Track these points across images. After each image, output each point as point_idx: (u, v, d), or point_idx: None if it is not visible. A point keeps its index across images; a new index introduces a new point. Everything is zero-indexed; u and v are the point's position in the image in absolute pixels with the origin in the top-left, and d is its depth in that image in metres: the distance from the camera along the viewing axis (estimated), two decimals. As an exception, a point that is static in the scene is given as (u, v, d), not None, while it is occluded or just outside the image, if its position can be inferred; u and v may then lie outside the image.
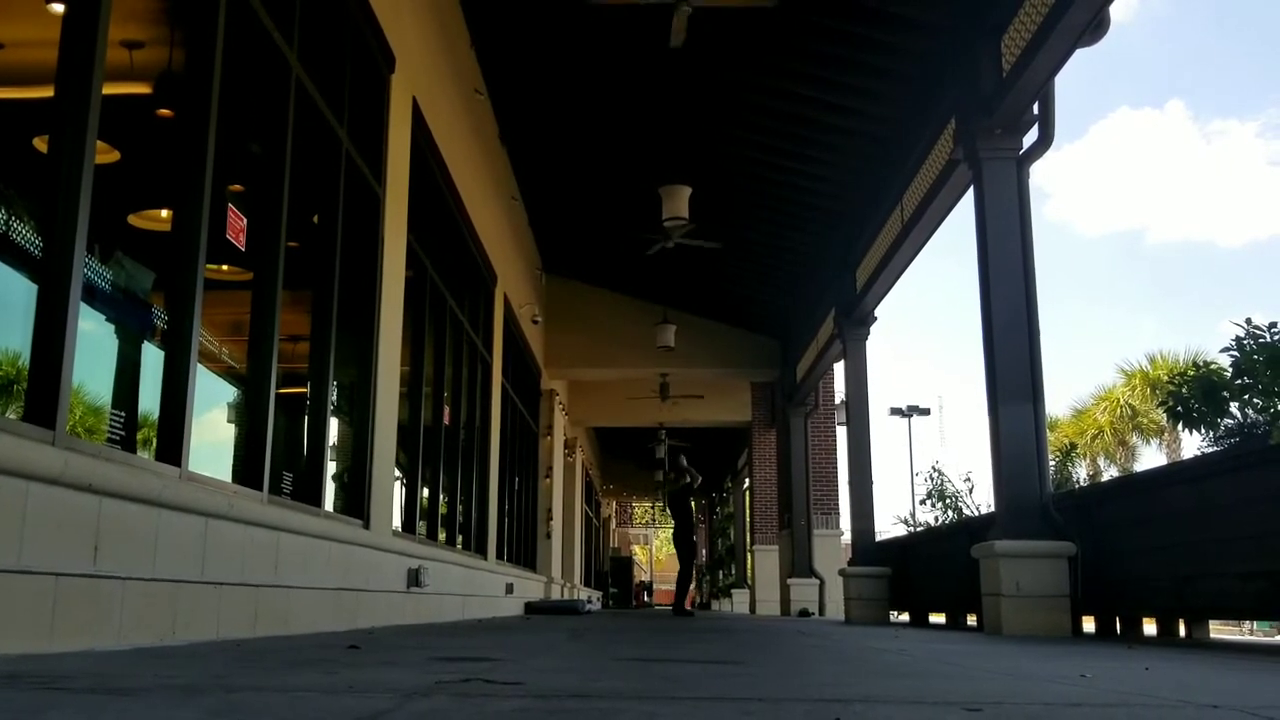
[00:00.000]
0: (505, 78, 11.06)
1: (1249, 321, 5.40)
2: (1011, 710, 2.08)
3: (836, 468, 16.49)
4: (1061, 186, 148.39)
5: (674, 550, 14.99)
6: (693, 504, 14.69)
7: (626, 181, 12.92)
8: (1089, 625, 6.89)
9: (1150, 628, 6.65)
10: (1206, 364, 6.00)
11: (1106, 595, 6.42)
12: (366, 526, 6.64)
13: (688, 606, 15.25)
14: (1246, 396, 5.56)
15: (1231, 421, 5.69)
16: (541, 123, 12.25)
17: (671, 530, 14.97)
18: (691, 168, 11.64)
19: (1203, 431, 5.83)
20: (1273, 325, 5.34)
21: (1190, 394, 5.85)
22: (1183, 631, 6.27)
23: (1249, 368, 5.38)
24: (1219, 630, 15.45)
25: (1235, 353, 5.47)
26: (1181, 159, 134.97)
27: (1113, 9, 6.28)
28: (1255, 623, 22.31)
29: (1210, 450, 5.76)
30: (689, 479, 14.76)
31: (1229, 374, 5.59)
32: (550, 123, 12.22)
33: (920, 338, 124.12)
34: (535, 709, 1.93)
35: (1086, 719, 1.98)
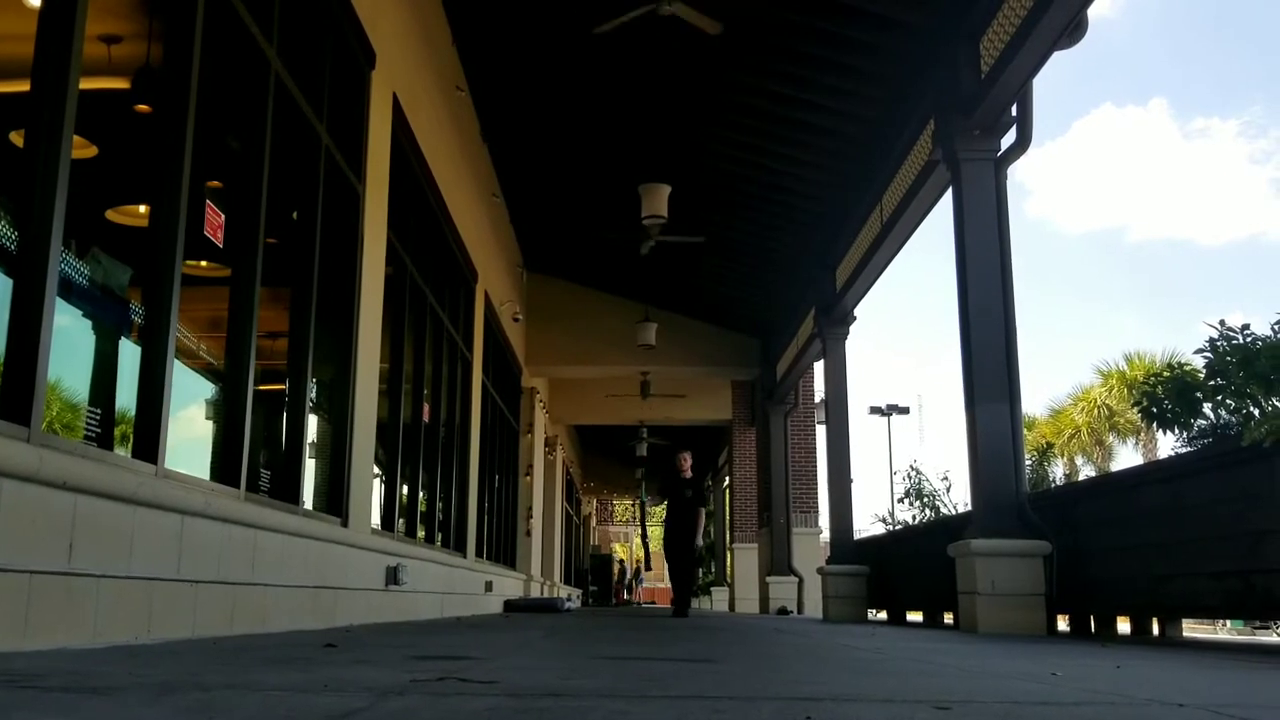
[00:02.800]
0: (487, 75, 11.05)
1: (1222, 323, 5.45)
2: (980, 708, 2.10)
3: (816, 466, 16.54)
4: (1043, 183, 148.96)
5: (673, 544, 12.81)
6: (689, 494, 12.70)
7: (607, 180, 12.92)
8: (1064, 624, 6.95)
9: (1124, 626, 6.72)
10: (1181, 365, 6.05)
11: (1081, 594, 6.48)
12: (345, 524, 6.62)
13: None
14: (1220, 397, 5.61)
15: (1205, 422, 5.74)
16: (523, 120, 12.24)
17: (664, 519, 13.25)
18: (672, 166, 11.65)
19: (1176, 432, 5.88)
20: (1245, 327, 5.39)
21: (1164, 394, 5.90)
22: (1156, 630, 6.34)
23: (1222, 368, 5.43)
24: (1192, 629, 15.60)
25: (1209, 354, 5.52)
26: (1163, 156, 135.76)
27: (1097, 5, 6.33)
28: (1229, 621, 22.55)
29: (1184, 450, 5.81)
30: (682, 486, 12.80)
31: (1202, 375, 5.64)
32: (532, 120, 12.20)
33: (900, 335, 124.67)
34: (507, 707, 1.94)
35: (1054, 717, 2.01)
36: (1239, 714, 2.10)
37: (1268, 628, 20.74)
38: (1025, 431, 7.49)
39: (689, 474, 12.77)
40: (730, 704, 2.07)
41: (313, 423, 6.47)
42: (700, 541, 12.79)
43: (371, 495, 7.52)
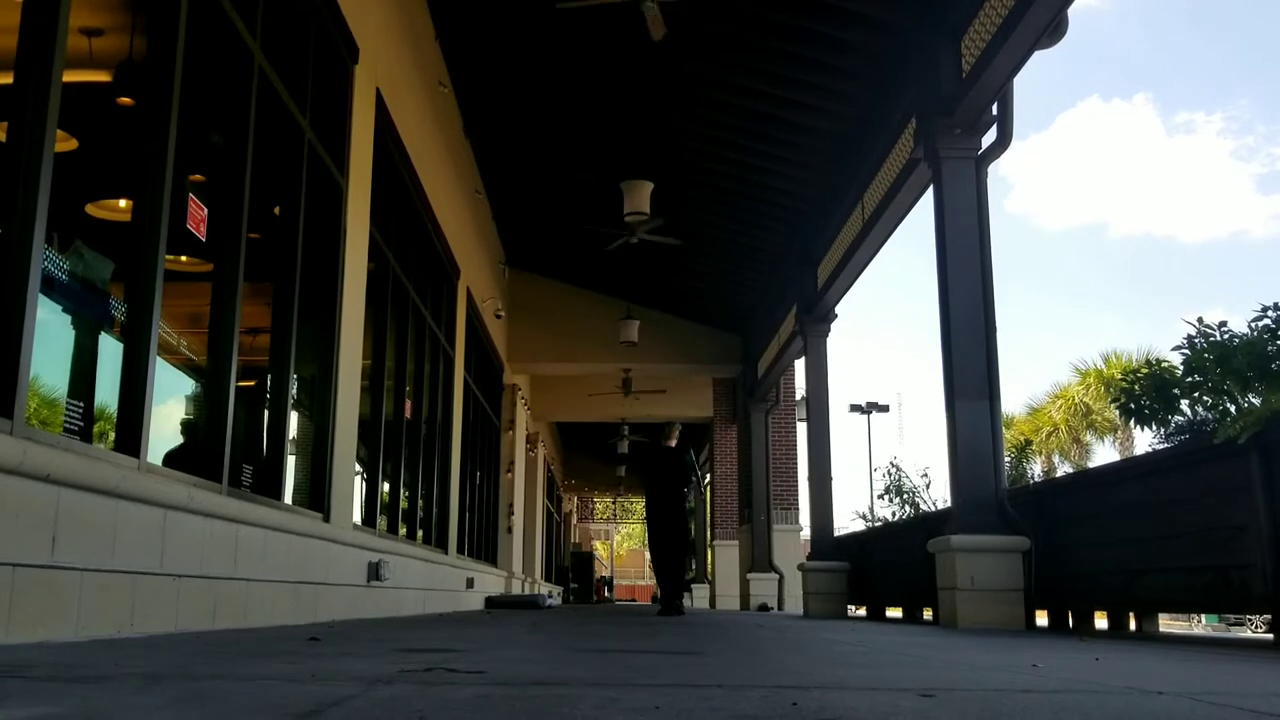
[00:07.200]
0: (470, 71, 11.04)
1: (1200, 320, 5.53)
2: (964, 696, 2.13)
3: (797, 463, 16.60)
4: (1025, 178, 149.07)
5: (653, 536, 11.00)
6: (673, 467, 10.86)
7: (590, 176, 12.93)
8: (1042, 619, 7.01)
9: (1102, 622, 6.78)
10: (1159, 361, 6.12)
11: (1059, 589, 6.54)
12: (327, 520, 6.61)
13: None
14: (1197, 394, 5.68)
15: (1182, 419, 5.81)
16: (506, 117, 12.23)
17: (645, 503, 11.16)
18: (654, 163, 11.67)
19: (1154, 428, 5.95)
20: (1223, 324, 5.46)
21: (1143, 391, 5.97)
22: (1133, 625, 6.40)
23: (1199, 365, 5.50)
24: (1168, 624, 15.74)
25: (1186, 350, 5.59)
26: (1146, 151, 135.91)
27: (1078, 3, 6.39)
28: (1204, 616, 22.78)
29: (1161, 447, 5.88)
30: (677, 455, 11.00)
31: (1180, 371, 5.71)
32: (514, 117, 12.20)
33: (880, 332, 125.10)
34: (497, 695, 1.95)
35: (1036, 704, 2.03)
36: (1216, 701, 2.14)
37: (1242, 623, 20.97)
38: (1004, 429, 7.54)
39: (674, 444, 11.00)
40: (718, 692, 2.09)
41: (295, 418, 6.46)
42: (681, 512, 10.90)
43: (353, 491, 7.51)
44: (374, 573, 7.53)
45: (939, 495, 11.18)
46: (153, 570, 4.01)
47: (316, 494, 6.64)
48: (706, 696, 1.99)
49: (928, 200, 7.97)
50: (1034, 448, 28.95)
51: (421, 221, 10.14)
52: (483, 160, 13.16)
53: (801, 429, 15.31)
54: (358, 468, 7.69)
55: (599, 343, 16.46)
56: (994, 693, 2.22)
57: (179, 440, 5.05)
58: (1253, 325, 5.21)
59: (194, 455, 4.92)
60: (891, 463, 14.01)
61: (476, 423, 14.35)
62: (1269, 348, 5.11)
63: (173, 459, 4.73)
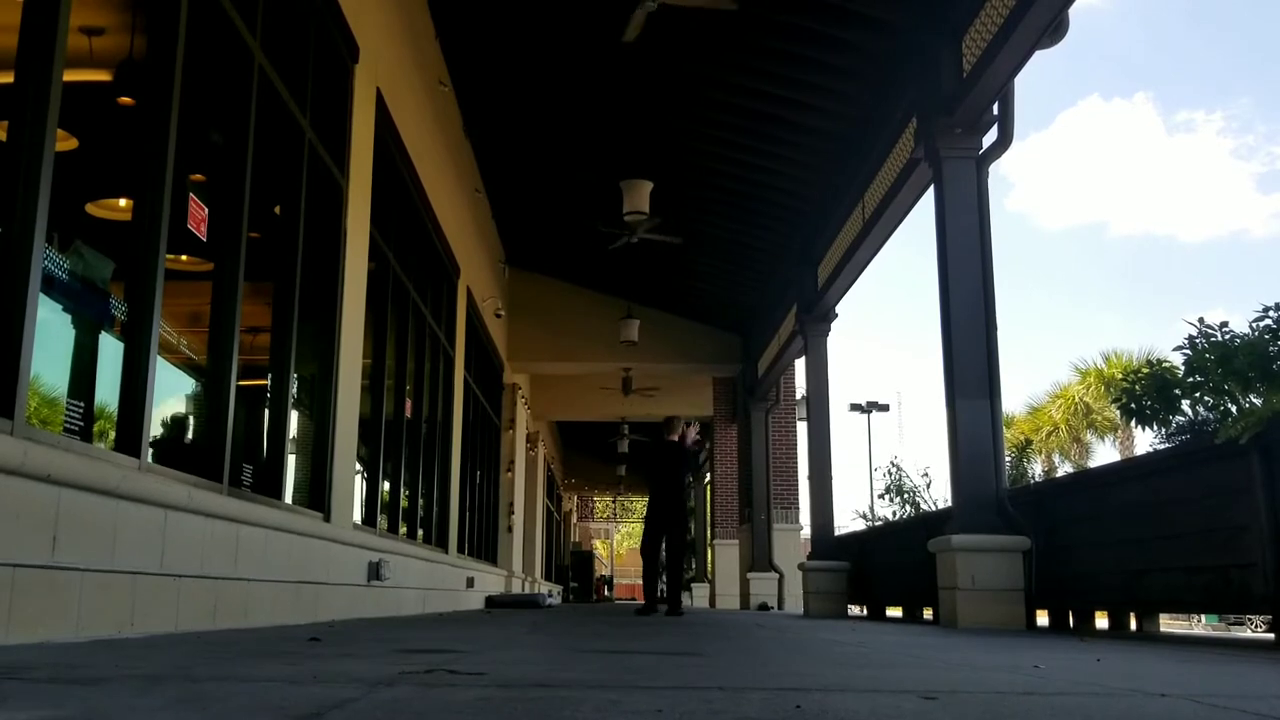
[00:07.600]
0: (470, 70, 11.03)
1: (1201, 321, 5.53)
2: (966, 698, 2.13)
3: (797, 463, 16.60)
4: (1025, 177, 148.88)
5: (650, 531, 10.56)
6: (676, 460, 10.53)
7: (590, 176, 12.92)
8: (1043, 619, 7.01)
9: (1103, 621, 6.78)
10: (1159, 362, 6.12)
11: (1060, 589, 6.53)
12: (327, 519, 6.61)
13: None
14: (1198, 394, 5.68)
15: (1183, 419, 5.81)
16: (506, 116, 12.22)
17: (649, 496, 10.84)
18: (654, 163, 11.66)
19: (1155, 428, 5.94)
20: (1224, 324, 5.46)
21: (1143, 391, 5.96)
22: (1133, 625, 6.40)
23: (1200, 366, 5.49)
24: (1168, 624, 15.74)
25: (1188, 351, 5.59)
26: (1146, 150, 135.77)
27: (1079, 3, 6.39)
28: (1204, 616, 22.79)
29: (1162, 447, 5.88)
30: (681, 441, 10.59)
31: (1181, 372, 5.71)
32: (514, 116, 12.19)
33: (881, 331, 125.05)
34: (498, 698, 1.95)
35: (1038, 707, 2.03)
36: (1219, 703, 2.13)
37: (1242, 623, 20.97)
38: (1004, 428, 7.54)
39: (676, 438, 10.59)
40: (719, 694, 2.09)
41: (295, 418, 6.46)
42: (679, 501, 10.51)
43: (353, 490, 7.51)
44: (374, 572, 7.52)
45: (939, 495, 11.17)
46: (153, 570, 4.01)
47: (317, 494, 6.64)
48: (708, 699, 1.99)
49: (928, 200, 7.97)
50: (1034, 447, 28.92)
51: (421, 221, 10.14)
52: (483, 159, 13.15)
53: (802, 428, 15.32)
54: (358, 467, 7.69)
55: (599, 342, 16.45)
56: (995, 695, 2.22)
57: (169, 437, 5.04)
58: (1254, 325, 5.21)
59: (180, 449, 4.92)
60: (892, 462, 14.00)
61: (476, 422, 14.34)
62: (1270, 348, 5.11)
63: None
